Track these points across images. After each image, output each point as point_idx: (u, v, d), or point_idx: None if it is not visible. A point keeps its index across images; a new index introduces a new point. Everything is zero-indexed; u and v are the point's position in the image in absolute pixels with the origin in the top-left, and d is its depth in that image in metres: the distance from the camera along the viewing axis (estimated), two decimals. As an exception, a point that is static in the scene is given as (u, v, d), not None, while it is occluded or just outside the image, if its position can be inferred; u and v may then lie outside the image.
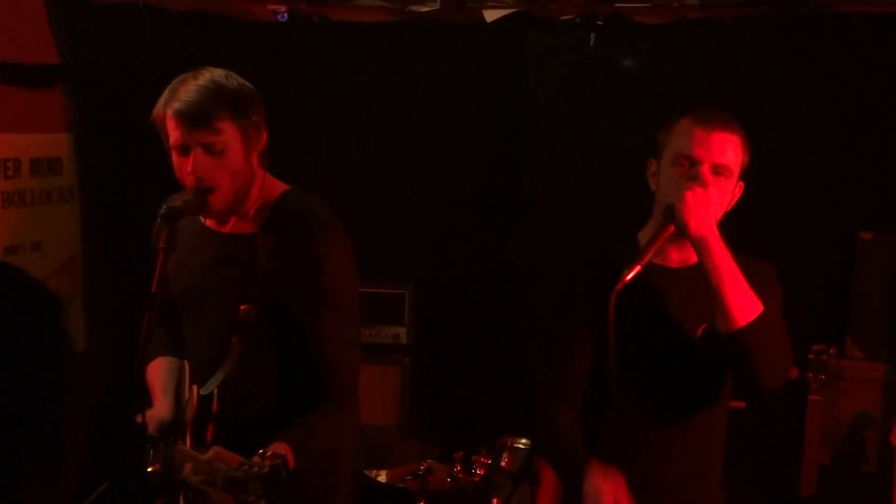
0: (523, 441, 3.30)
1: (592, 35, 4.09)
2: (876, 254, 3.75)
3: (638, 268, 2.07)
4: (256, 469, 1.89)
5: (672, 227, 2.12)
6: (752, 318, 2.10)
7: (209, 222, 2.29)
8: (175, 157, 2.17)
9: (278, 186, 2.30)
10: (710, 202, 2.10)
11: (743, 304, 2.10)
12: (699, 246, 2.11)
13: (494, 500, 3.17)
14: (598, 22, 4.01)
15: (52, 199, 3.76)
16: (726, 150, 2.18)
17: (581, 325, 2.27)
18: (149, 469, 2.06)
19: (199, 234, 2.29)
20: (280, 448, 2.00)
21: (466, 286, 4.32)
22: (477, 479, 3.21)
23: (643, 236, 2.30)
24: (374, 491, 3.37)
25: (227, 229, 2.27)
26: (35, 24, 3.74)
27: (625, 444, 2.30)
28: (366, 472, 3.38)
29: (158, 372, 2.38)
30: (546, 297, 2.67)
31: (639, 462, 2.28)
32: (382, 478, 3.39)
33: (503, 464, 3.25)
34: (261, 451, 1.97)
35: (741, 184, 2.26)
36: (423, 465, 3.22)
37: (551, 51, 4.14)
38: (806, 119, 3.88)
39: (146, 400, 2.25)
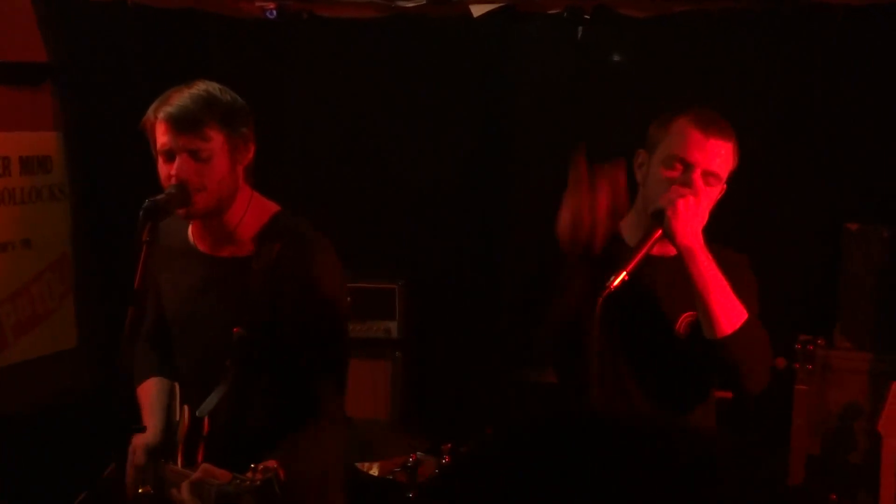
0: (511, 433, 3.31)
1: (580, 29, 4.10)
2: (862, 245, 3.77)
3: (624, 275, 2.08)
4: (249, 483, 1.91)
5: (660, 232, 2.13)
6: (737, 325, 2.12)
7: (202, 247, 2.30)
8: (160, 164, 2.19)
9: (268, 208, 2.31)
10: (699, 212, 2.12)
11: (728, 312, 2.12)
12: (684, 255, 2.13)
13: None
14: (585, 16, 4.02)
15: (42, 196, 3.78)
16: (719, 158, 2.19)
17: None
18: (139, 490, 2.09)
19: (192, 257, 2.31)
20: (270, 463, 2.03)
21: (457, 281, 4.33)
22: (465, 470, 3.21)
23: (624, 226, 2.31)
24: (364, 484, 3.39)
25: (219, 253, 2.28)
26: (23, 23, 3.75)
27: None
28: (357, 465, 3.39)
29: (149, 393, 2.41)
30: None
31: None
32: (374, 471, 3.41)
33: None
34: (252, 466, 1.99)
35: (724, 186, 2.27)
36: (411, 458, 3.24)
37: (538, 45, 4.16)
38: (792, 111, 3.89)
39: (130, 397, 2.28)
